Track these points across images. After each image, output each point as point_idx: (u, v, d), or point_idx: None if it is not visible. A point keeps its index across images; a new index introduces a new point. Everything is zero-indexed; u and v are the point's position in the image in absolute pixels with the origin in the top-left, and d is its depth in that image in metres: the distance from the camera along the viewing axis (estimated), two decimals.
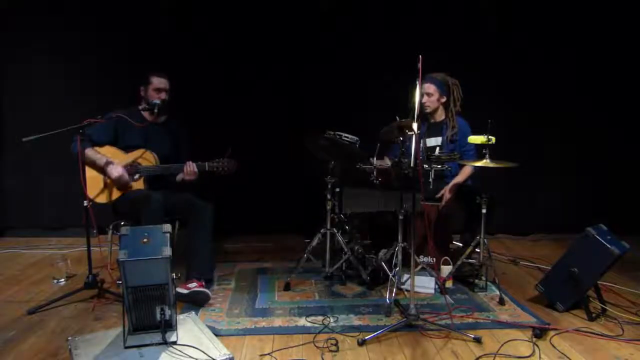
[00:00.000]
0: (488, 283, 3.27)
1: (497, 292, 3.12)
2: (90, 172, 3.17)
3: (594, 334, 2.64)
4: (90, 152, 3.18)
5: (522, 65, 4.52)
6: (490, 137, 2.96)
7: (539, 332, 2.59)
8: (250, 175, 4.13)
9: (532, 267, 3.82)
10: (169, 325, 2.39)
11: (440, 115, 3.63)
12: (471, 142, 3.12)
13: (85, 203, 3.00)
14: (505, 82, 4.50)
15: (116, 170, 3.16)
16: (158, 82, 3.33)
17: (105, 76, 4.45)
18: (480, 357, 2.38)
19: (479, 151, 3.19)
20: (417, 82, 2.56)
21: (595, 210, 4.44)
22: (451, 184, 3.43)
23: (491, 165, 2.95)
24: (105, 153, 3.25)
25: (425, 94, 3.53)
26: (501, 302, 3.04)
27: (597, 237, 2.87)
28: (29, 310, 2.86)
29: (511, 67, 4.50)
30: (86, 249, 3.05)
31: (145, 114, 3.38)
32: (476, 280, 3.30)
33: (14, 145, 4.47)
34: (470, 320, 2.81)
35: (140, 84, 3.37)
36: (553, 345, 2.51)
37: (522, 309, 2.97)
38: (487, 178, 3.22)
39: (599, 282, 2.95)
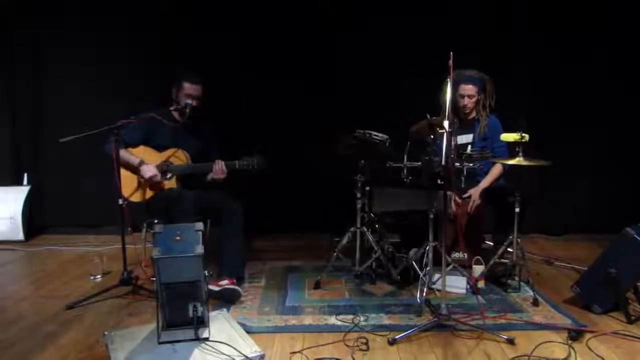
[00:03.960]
0: (521, 283, 3.21)
1: (531, 293, 3.05)
2: (124, 172, 3.24)
3: (633, 337, 2.55)
4: (123, 153, 3.23)
5: (553, 63, 4.41)
6: (523, 134, 2.89)
7: (575, 335, 2.52)
8: (280, 174, 4.16)
9: (567, 268, 3.73)
10: (201, 322, 2.42)
11: (472, 112, 3.57)
12: (504, 140, 3.06)
13: (120, 202, 3.07)
14: (537, 81, 4.41)
15: (149, 171, 3.22)
16: (189, 88, 3.35)
17: (138, 77, 4.53)
18: (513, 358, 2.34)
19: (511, 149, 3.12)
20: (448, 80, 2.53)
21: (633, 209, 4.30)
22: (479, 188, 3.37)
23: (524, 163, 2.88)
24: (138, 153, 3.32)
25: (466, 97, 3.47)
26: (535, 303, 2.98)
27: (637, 237, 2.77)
28: (67, 305, 2.95)
29: (542, 65, 4.40)
30: (121, 246, 3.12)
31: (176, 115, 3.43)
32: (509, 281, 3.25)
33: (52, 146, 4.60)
34: (502, 321, 2.76)
35: (172, 85, 3.42)
36: (590, 348, 2.44)
37: (557, 310, 2.90)
38: (520, 176, 3.15)
39: (638, 283, 2.86)
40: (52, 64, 4.64)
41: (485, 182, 3.43)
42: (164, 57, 4.44)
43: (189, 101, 3.32)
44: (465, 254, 3.39)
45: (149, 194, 3.30)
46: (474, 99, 3.49)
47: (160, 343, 2.35)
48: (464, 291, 3.16)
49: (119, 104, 4.32)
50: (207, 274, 2.43)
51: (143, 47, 4.52)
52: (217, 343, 2.34)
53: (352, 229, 3.32)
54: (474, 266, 3.29)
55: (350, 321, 2.74)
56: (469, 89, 3.45)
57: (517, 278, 3.22)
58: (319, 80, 4.49)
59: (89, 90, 4.61)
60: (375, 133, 3.11)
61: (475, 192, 3.36)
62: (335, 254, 3.33)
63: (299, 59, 4.50)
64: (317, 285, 3.29)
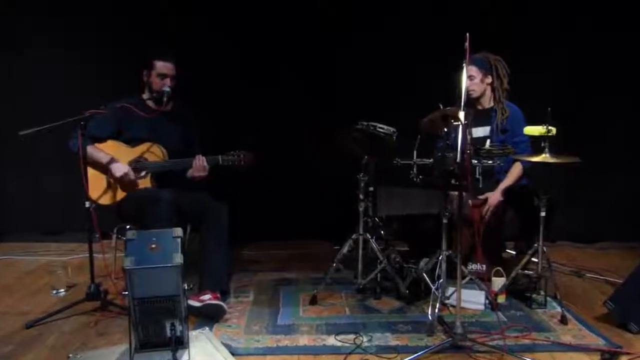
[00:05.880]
0: (548, 298, 3.22)
1: (559, 309, 3.07)
2: (92, 171, 3.24)
3: None
4: (91, 150, 3.22)
5: (585, 45, 4.42)
6: (549, 127, 2.90)
7: (609, 357, 2.53)
8: (272, 172, 4.16)
9: (599, 280, 3.75)
10: (180, 343, 2.41)
11: (488, 101, 3.59)
12: (527, 133, 3.07)
13: (87, 204, 3.06)
14: (565, 67, 4.42)
15: (119, 169, 3.22)
16: (162, 66, 3.36)
17: (105, 62, 4.51)
18: None
19: (536, 144, 3.13)
20: (464, 64, 2.54)
21: None
22: (497, 192, 3.38)
23: (551, 160, 2.89)
24: (107, 149, 3.31)
25: (467, 79, 3.48)
26: (563, 320, 2.99)
27: None
28: (26, 323, 2.94)
29: (571, 48, 4.42)
30: (88, 255, 3.12)
31: (151, 103, 3.42)
32: (534, 295, 3.25)
33: (8, 142, 4.58)
34: (526, 341, 2.77)
35: (143, 67, 3.41)
36: None
37: (588, 329, 2.91)
38: (547, 176, 3.16)
39: None
40: (15, 57, 4.63)
41: (504, 184, 3.42)
42: (138, 40, 4.41)
43: (167, 89, 3.31)
44: (484, 265, 3.39)
45: (120, 195, 3.30)
46: (477, 80, 3.51)
47: None
48: (482, 307, 3.17)
49: (86, 96, 4.27)
50: (186, 288, 2.43)
51: (112, 30, 4.50)
52: None
53: (353, 235, 3.32)
54: (493, 278, 3.30)
55: (352, 342, 2.74)
56: (468, 69, 3.47)
57: (542, 292, 3.23)
58: (318, 71, 4.48)
59: (54, 82, 4.60)
60: (381, 125, 3.11)
61: (493, 197, 3.36)
62: (334, 264, 3.33)
63: (293, 43, 4.48)
64: (313, 301, 3.29)
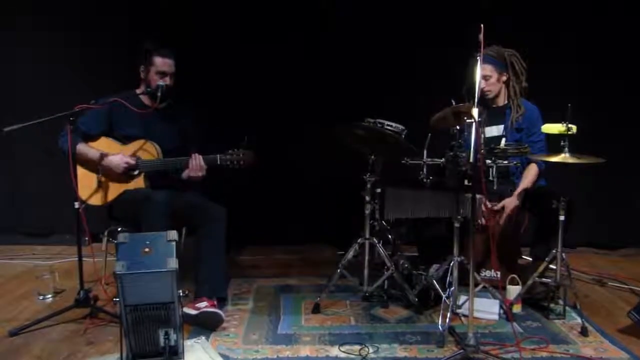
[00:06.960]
0: (567, 308, 3.22)
1: (579, 320, 3.06)
2: (81, 169, 3.25)
3: None
4: (82, 148, 3.25)
5: (609, 31, 4.41)
6: (570, 125, 2.90)
7: None
8: (272, 172, 4.16)
9: (623, 289, 3.75)
10: (174, 353, 2.43)
11: (502, 99, 3.59)
12: (545, 131, 3.07)
13: (77, 205, 3.07)
14: (588, 56, 4.41)
15: (120, 162, 3.23)
16: (162, 63, 3.36)
17: (97, 57, 4.54)
18: None
19: (555, 143, 3.13)
20: (478, 58, 2.55)
21: None
22: (514, 199, 3.38)
23: (571, 160, 2.89)
24: (99, 146, 3.33)
25: (482, 79, 3.48)
26: (584, 332, 2.98)
27: None
28: (10, 331, 2.95)
29: (595, 31, 4.41)
30: (77, 259, 3.12)
31: (145, 99, 3.43)
32: (552, 305, 3.26)
33: None
34: (544, 354, 2.77)
35: (140, 62, 3.42)
36: None
37: (610, 341, 2.91)
38: (566, 177, 3.16)
39: None
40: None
41: (520, 188, 3.41)
42: (131, 31, 4.44)
43: (161, 83, 3.32)
44: (498, 272, 3.40)
45: (111, 196, 3.31)
46: (493, 80, 3.50)
47: None
48: (496, 317, 3.18)
49: (76, 90, 4.30)
50: (182, 294, 2.45)
51: (105, 19, 4.52)
52: None
53: (359, 240, 3.33)
54: (508, 287, 3.30)
55: (357, 353, 2.75)
56: (482, 68, 3.46)
57: (561, 302, 3.23)
58: (318, 62, 4.49)
59: (42, 77, 4.62)
60: (389, 122, 3.12)
61: (510, 202, 3.36)
62: (338, 270, 3.33)
63: (294, 36, 4.50)
64: (316, 309, 3.29)
